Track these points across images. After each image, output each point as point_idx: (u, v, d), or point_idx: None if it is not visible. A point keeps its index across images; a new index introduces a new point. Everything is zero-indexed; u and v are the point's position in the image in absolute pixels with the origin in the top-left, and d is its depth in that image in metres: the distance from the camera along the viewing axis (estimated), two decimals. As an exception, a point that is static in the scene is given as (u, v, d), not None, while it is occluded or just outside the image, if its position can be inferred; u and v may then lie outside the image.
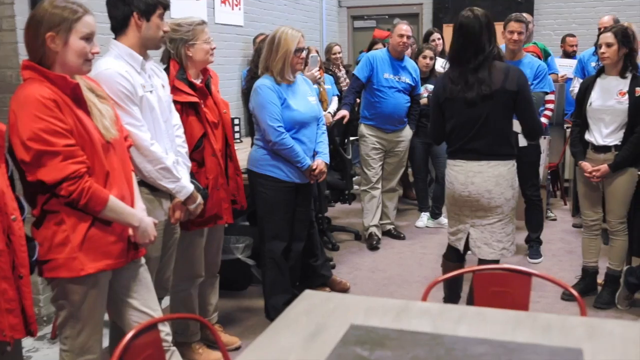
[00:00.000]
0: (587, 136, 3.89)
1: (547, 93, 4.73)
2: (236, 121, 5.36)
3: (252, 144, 3.71)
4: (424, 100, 5.43)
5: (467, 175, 3.24)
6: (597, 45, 3.87)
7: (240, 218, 4.40)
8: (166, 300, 3.18)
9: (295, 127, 3.50)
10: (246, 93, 4.37)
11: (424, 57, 5.57)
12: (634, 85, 3.72)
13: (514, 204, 3.32)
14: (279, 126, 3.42)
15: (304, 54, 3.53)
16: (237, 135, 5.34)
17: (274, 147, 3.46)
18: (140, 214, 2.32)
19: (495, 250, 3.30)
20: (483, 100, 3.14)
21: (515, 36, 4.58)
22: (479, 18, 3.15)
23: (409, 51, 5.45)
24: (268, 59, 3.48)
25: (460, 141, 3.25)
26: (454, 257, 3.51)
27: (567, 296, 4.00)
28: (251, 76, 3.97)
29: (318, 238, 4.29)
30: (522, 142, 4.20)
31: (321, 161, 3.63)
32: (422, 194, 5.98)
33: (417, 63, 5.42)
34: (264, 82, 3.46)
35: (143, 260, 2.44)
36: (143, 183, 2.61)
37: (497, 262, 3.27)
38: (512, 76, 3.16)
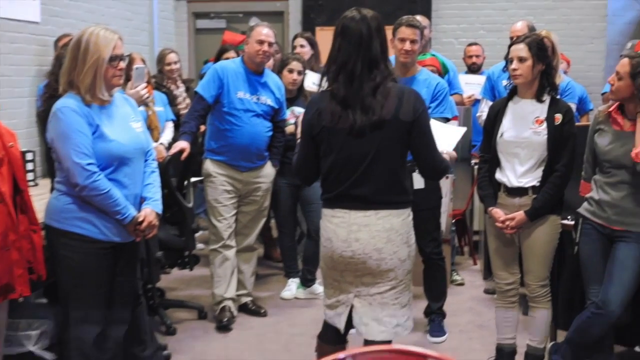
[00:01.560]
0: (499, 175, 4.09)
1: (448, 119, 4.92)
2: (29, 156, 5.20)
3: (52, 188, 3.61)
4: (290, 128, 5.52)
5: (349, 230, 3.30)
6: (508, 60, 4.08)
7: (34, 293, 4.24)
8: None
9: (112, 165, 3.48)
10: (43, 117, 4.26)
11: (291, 71, 5.68)
12: (553, 112, 3.95)
13: (410, 266, 3.41)
14: (89, 164, 3.37)
15: (122, 63, 3.51)
16: (30, 176, 5.16)
17: (83, 192, 3.40)
18: None
19: (388, 327, 3.36)
20: (372, 130, 3.22)
21: (408, 45, 4.72)
22: (367, 21, 3.26)
23: (270, 62, 5.55)
24: (72, 70, 3.44)
25: (341, 186, 3.32)
26: (332, 338, 3.54)
27: (479, 385, 4.16)
28: (50, 94, 3.89)
29: (146, 318, 4.21)
30: (418, 183, 4.35)
31: (150, 210, 3.62)
32: (290, 254, 6.04)
33: (281, 78, 5.52)
34: (67, 103, 3.41)
35: None
36: None
37: (389, 343, 3.33)
38: (407, 102, 3.26)
